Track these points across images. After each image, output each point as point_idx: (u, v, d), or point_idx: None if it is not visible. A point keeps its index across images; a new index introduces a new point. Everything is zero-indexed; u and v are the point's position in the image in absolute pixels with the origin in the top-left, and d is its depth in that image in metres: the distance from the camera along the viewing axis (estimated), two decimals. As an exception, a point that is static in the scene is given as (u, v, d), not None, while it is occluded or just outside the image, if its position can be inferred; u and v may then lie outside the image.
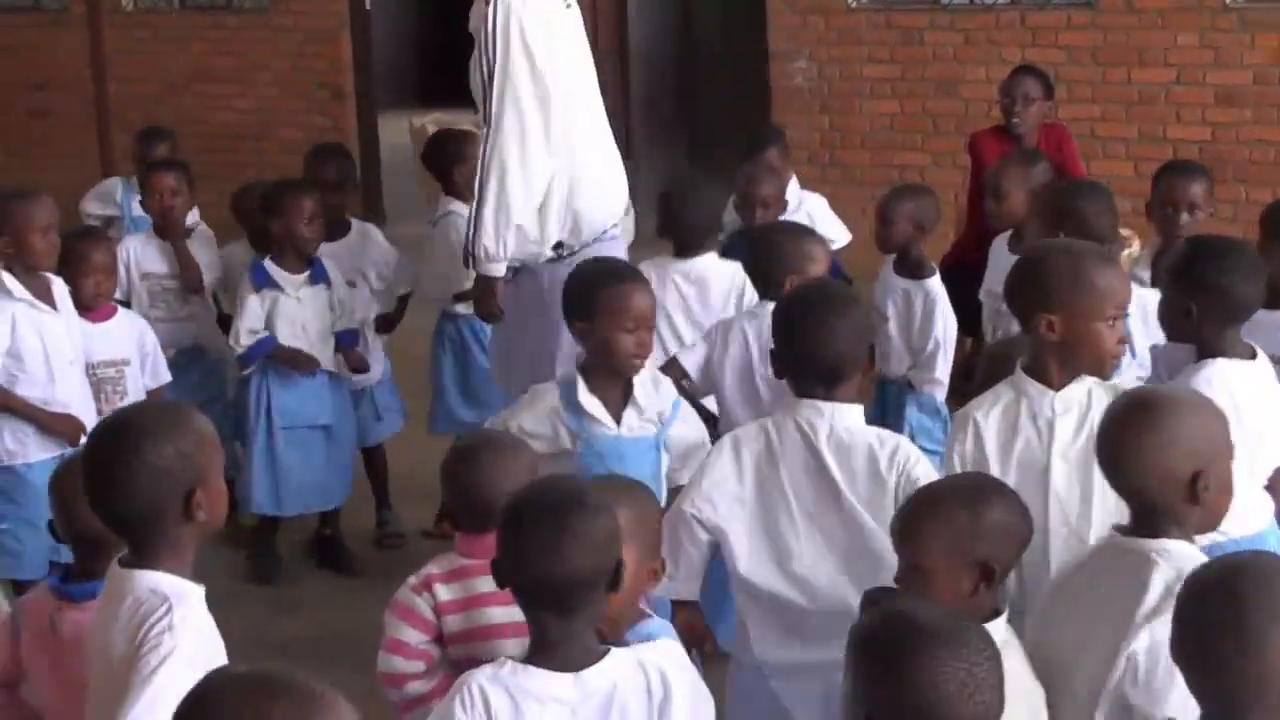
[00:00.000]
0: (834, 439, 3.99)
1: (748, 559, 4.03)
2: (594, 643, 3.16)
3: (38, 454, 5.62)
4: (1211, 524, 3.39)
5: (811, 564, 3.99)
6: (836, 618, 3.75)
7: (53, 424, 5.62)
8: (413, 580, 3.85)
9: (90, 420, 5.72)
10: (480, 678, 3.10)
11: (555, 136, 5.81)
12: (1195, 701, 2.73)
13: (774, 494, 4.00)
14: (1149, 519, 3.31)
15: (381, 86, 12.81)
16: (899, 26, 10.32)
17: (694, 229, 6.11)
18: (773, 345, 4.23)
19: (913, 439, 5.96)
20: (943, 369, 6.03)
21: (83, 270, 5.96)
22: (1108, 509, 3.68)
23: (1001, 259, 5.95)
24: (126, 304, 6.56)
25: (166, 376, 6.19)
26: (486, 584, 3.65)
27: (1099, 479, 3.64)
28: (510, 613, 3.65)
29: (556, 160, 5.82)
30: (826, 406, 4.02)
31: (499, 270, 5.84)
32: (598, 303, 4.53)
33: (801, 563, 3.99)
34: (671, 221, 6.20)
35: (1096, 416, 3.65)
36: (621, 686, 3.13)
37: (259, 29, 12.84)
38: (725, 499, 4.03)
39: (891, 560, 3.71)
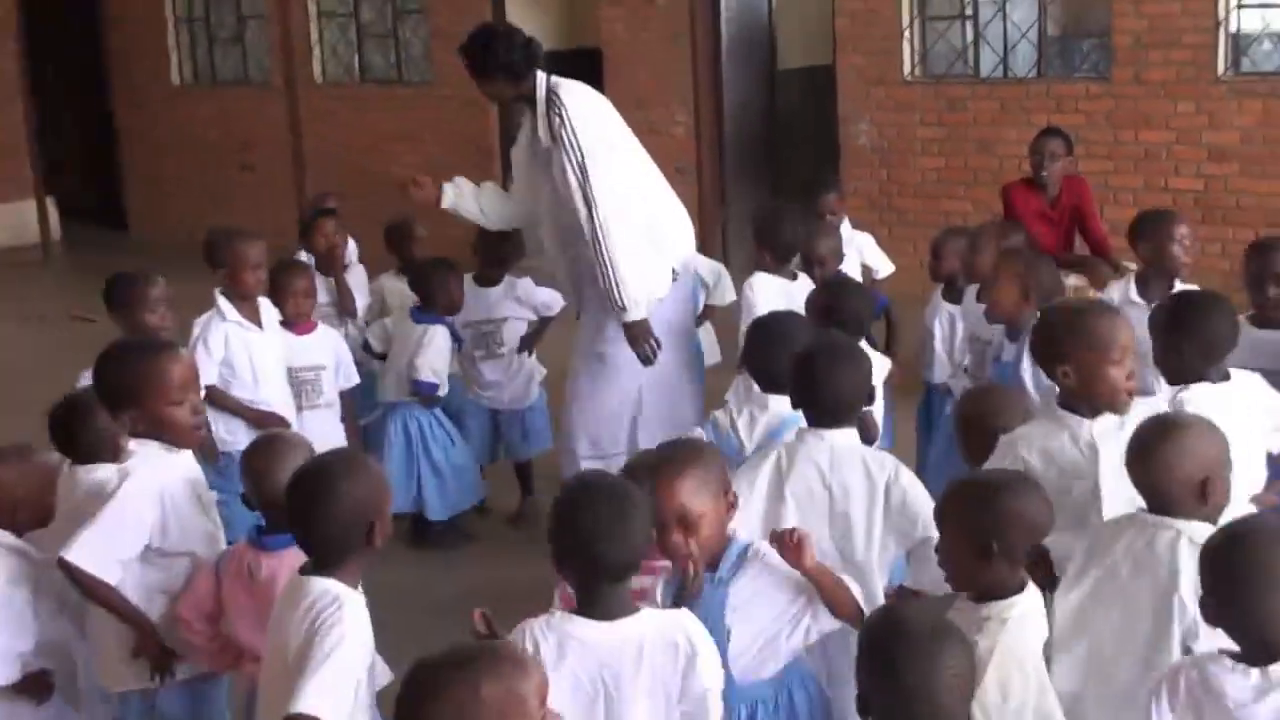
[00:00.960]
0: (833, 456, 3.97)
1: None
2: (629, 602, 3.19)
3: (246, 442, 5.58)
4: (1213, 520, 3.35)
5: None
6: None
7: (260, 419, 5.67)
8: None
9: (290, 416, 5.83)
10: (533, 623, 3.16)
11: (640, 195, 5.87)
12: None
13: (777, 505, 3.97)
14: (1163, 510, 3.37)
15: (522, 145, 12.90)
16: (946, 96, 10.27)
17: (789, 244, 6.16)
18: (790, 387, 4.19)
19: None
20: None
21: (286, 295, 6.05)
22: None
23: (970, 307, 5.89)
24: None
25: (355, 379, 6.26)
26: None
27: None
28: (639, 581, 3.68)
29: (649, 213, 5.86)
30: (826, 433, 4.00)
31: (644, 313, 5.82)
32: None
33: None
34: (771, 236, 6.20)
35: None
36: (650, 638, 3.14)
37: (424, 98, 12.93)
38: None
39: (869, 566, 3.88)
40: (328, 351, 6.19)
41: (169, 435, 3.91)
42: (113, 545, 3.79)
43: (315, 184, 13.10)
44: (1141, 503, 3.46)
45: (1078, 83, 9.95)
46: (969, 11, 10.26)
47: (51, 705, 4.02)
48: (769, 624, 3.51)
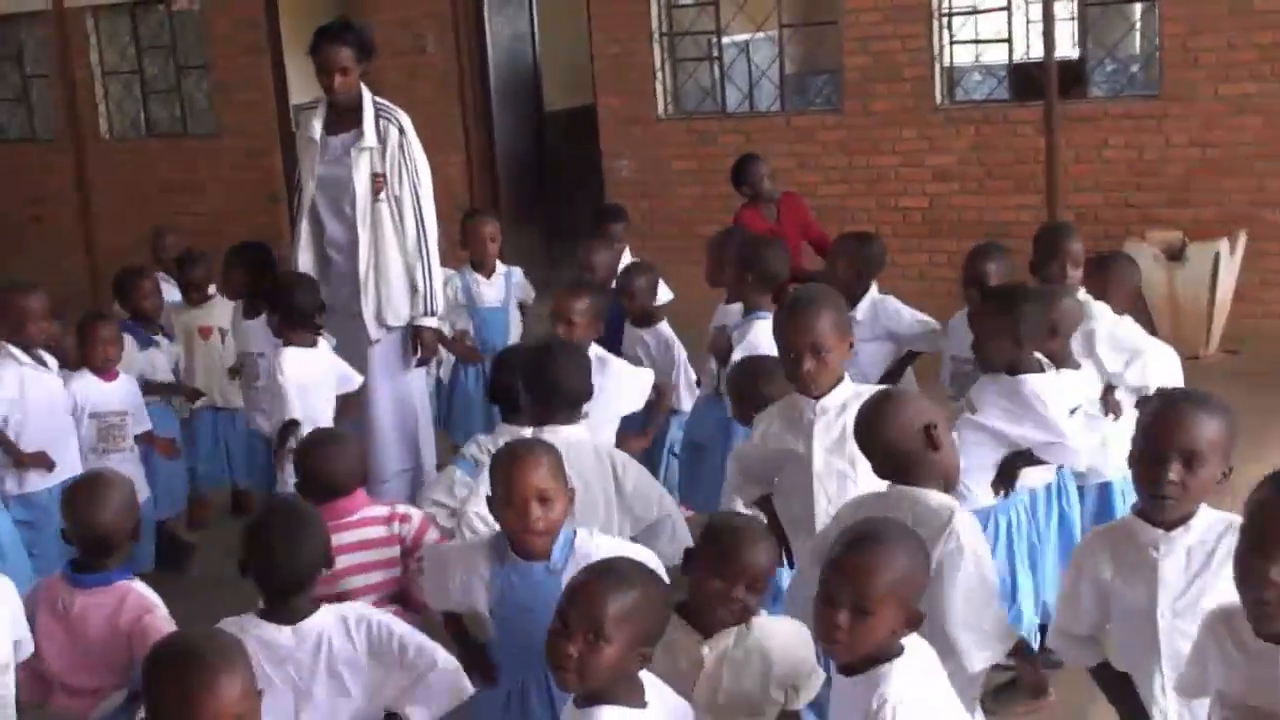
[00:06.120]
0: (569, 449, 3.78)
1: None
2: (309, 603, 3.32)
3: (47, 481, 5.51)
4: (948, 476, 3.43)
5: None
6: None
7: (28, 460, 5.50)
8: None
9: (75, 455, 5.67)
10: (226, 623, 3.28)
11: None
12: None
13: None
14: (902, 473, 3.39)
15: (307, 191, 12.74)
16: (696, 131, 10.45)
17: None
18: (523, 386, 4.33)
19: (672, 449, 6.05)
20: (685, 391, 6.03)
21: (94, 344, 5.94)
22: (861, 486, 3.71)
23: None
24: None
25: (148, 424, 6.16)
26: (335, 540, 3.76)
27: (850, 464, 3.75)
28: (356, 558, 3.93)
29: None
30: (561, 429, 4.08)
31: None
32: None
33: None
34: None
35: (850, 415, 3.67)
36: (328, 630, 3.28)
37: (210, 150, 12.74)
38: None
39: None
40: (130, 398, 6.09)
41: None
42: None
43: (105, 236, 12.82)
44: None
45: (814, 115, 10.25)
46: (715, 54, 10.51)
47: None
48: None
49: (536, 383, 4.24)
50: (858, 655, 2.77)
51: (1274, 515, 2.48)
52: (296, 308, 5.68)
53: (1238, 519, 2.96)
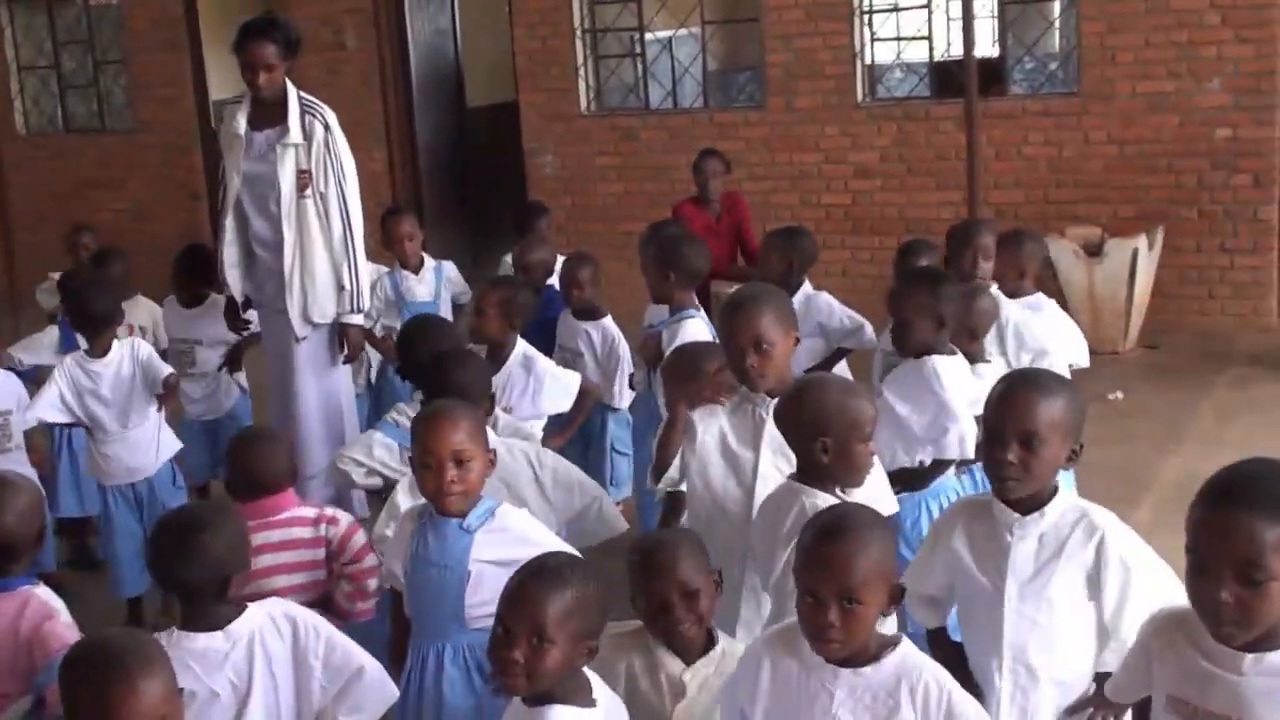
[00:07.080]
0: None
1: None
2: (230, 608, 3.22)
3: None
4: (846, 481, 3.39)
5: None
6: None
7: None
8: None
9: None
10: (159, 636, 3.15)
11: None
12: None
13: None
14: (803, 469, 3.43)
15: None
16: (619, 127, 10.42)
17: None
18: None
19: (613, 445, 6.08)
20: (621, 389, 6.01)
21: None
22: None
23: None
24: None
25: (33, 421, 5.92)
26: (259, 539, 3.80)
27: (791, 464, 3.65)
28: (278, 557, 3.91)
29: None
30: None
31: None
32: None
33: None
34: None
35: None
36: (260, 629, 3.19)
37: (129, 145, 12.52)
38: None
39: None
40: (11, 395, 5.91)
41: None
42: None
43: (23, 234, 12.59)
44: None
45: (737, 111, 10.23)
46: (638, 50, 10.48)
47: None
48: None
49: (430, 386, 4.24)
50: (853, 648, 2.71)
51: (1211, 537, 2.39)
52: (87, 312, 5.70)
53: (1093, 507, 3.05)
